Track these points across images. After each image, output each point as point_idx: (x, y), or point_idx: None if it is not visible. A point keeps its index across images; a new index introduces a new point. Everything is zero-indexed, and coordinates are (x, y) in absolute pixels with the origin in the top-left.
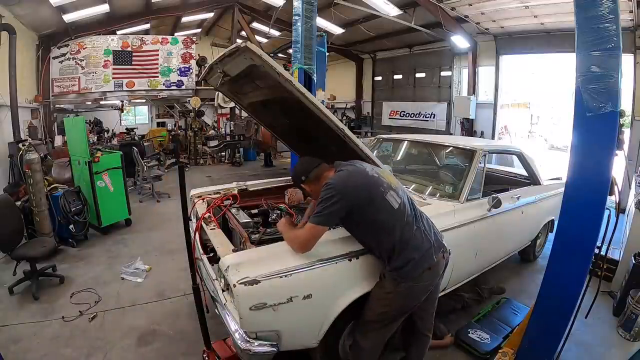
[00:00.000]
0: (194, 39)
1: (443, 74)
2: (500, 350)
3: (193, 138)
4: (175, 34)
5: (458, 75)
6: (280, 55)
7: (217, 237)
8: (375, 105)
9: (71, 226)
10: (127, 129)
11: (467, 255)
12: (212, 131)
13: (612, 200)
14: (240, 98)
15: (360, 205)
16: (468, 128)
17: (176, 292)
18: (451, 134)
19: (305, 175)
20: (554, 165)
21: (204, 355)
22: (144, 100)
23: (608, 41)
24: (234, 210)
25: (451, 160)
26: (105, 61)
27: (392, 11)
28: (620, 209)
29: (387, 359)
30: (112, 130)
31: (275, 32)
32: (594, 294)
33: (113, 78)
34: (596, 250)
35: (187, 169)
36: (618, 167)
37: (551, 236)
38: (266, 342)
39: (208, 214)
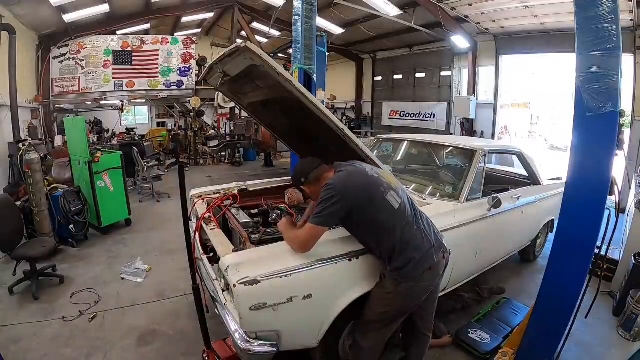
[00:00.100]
0: (194, 39)
1: (443, 74)
2: (500, 350)
3: (193, 138)
4: (175, 34)
5: (458, 75)
6: (280, 55)
7: (217, 237)
8: (375, 105)
9: (71, 226)
10: (127, 129)
11: (467, 255)
12: (212, 131)
13: (612, 200)
14: (240, 98)
15: (361, 206)
16: (468, 128)
17: (176, 292)
18: (451, 134)
19: (305, 177)
20: (554, 165)
21: (204, 355)
22: (144, 100)
23: (608, 41)
24: (234, 210)
25: (451, 160)
26: (105, 61)
27: (392, 11)
28: (620, 209)
29: (387, 359)
30: (112, 130)
31: (275, 32)
32: (594, 294)
33: (113, 78)
34: (596, 250)
35: (187, 169)
36: (618, 167)
37: (551, 236)
38: (266, 342)
39: (208, 214)
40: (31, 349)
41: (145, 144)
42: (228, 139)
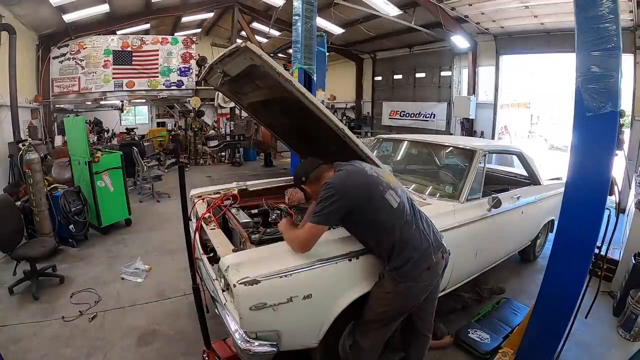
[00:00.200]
0: (194, 39)
1: (443, 74)
2: (500, 350)
3: (193, 138)
4: (175, 34)
5: (458, 75)
6: (280, 55)
7: (217, 237)
8: (375, 105)
9: (71, 226)
10: (127, 129)
11: (467, 255)
12: (212, 131)
13: (612, 200)
14: (240, 98)
15: (360, 205)
16: (468, 128)
17: (176, 292)
18: (451, 134)
19: (306, 176)
20: (554, 165)
21: (204, 355)
22: (144, 100)
23: (608, 41)
24: (234, 210)
25: (451, 160)
26: (105, 61)
27: (392, 11)
28: (620, 209)
29: (387, 359)
30: (112, 130)
31: (275, 32)
32: (594, 294)
33: (113, 78)
34: (596, 250)
35: (187, 169)
36: (618, 167)
37: (551, 236)
38: (266, 342)
39: (208, 214)
40: (31, 349)
41: (145, 144)
42: (228, 139)
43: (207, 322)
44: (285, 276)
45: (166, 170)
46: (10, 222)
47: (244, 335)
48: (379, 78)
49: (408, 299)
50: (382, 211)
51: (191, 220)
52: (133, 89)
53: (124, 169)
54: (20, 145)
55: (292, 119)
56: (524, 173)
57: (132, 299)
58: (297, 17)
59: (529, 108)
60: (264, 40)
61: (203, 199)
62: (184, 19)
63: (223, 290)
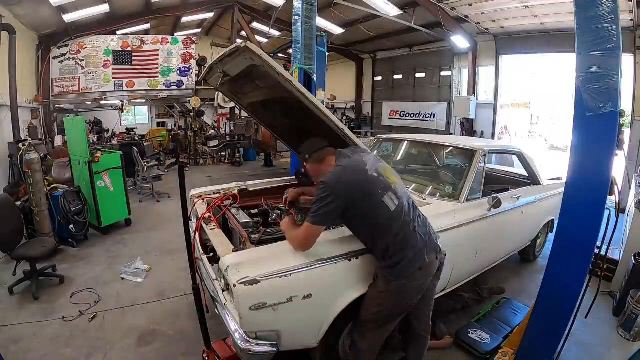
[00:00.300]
0: (194, 39)
1: (443, 74)
2: (500, 350)
3: (193, 138)
4: (175, 34)
5: (458, 75)
6: (280, 55)
7: (217, 237)
8: (375, 105)
9: (71, 226)
10: (127, 129)
11: (467, 255)
12: (212, 131)
13: (612, 200)
14: (240, 98)
15: (354, 201)
16: (468, 128)
17: (176, 292)
18: (451, 134)
19: (309, 154)
20: (554, 165)
21: (204, 355)
22: (144, 100)
23: (608, 41)
24: (234, 210)
25: (451, 160)
26: (105, 61)
27: (392, 11)
28: (620, 209)
29: (387, 359)
30: (112, 130)
31: (275, 32)
32: (594, 294)
33: (113, 78)
34: (596, 250)
35: (187, 169)
36: (618, 167)
37: (551, 236)
38: (266, 342)
39: (208, 214)
40: (31, 349)
41: (145, 144)
42: (228, 139)
43: (207, 322)
44: (285, 276)
45: (166, 170)
46: (10, 222)
47: (244, 335)
48: (379, 78)
49: (401, 298)
50: (377, 211)
51: (191, 220)
52: (133, 89)
53: (124, 169)
54: (20, 145)
55: (292, 119)
56: (524, 173)
57: (132, 299)
58: (297, 17)
59: (529, 108)
60: (264, 40)
61: (203, 199)
62: (184, 19)
63: (223, 290)
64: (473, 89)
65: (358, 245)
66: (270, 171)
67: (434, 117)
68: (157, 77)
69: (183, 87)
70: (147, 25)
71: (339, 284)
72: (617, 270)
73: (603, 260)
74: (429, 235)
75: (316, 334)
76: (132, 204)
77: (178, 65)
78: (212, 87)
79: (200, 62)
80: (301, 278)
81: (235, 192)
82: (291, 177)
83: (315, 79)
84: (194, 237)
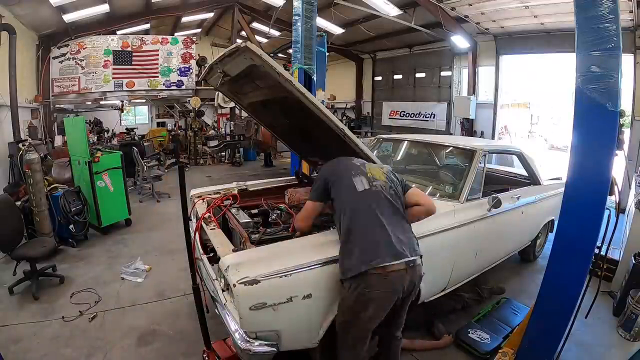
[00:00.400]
0: (194, 39)
1: (443, 74)
2: (500, 350)
3: (193, 138)
4: (175, 34)
5: (458, 75)
6: (280, 55)
7: (217, 237)
8: (375, 105)
9: (71, 226)
10: (127, 129)
11: (467, 255)
12: (212, 131)
13: (612, 200)
14: (240, 98)
15: (332, 181)
16: (468, 128)
17: (176, 292)
18: (451, 134)
19: None
20: (554, 165)
21: (204, 355)
22: (144, 100)
23: (608, 41)
24: (234, 210)
25: (451, 160)
26: (105, 61)
27: (392, 11)
28: (620, 209)
29: None
30: (112, 130)
31: (275, 32)
32: (594, 294)
33: (113, 78)
34: (596, 250)
35: (187, 169)
36: (618, 167)
37: (551, 236)
38: (266, 342)
39: (208, 214)
40: (31, 349)
41: (145, 144)
42: (228, 139)
43: (207, 322)
44: (285, 276)
45: (166, 170)
46: (10, 222)
47: (244, 335)
48: (379, 78)
49: (359, 306)
50: (344, 190)
51: (191, 220)
52: (133, 89)
53: (124, 169)
54: (20, 145)
55: (292, 119)
56: (524, 173)
57: (132, 299)
58: (297, 17)
59: (529, 108)
60: (264, 40)
61: (203, 199)
62: (184, 19)
63: (223, 290)
64: (473, 89)
65: None
66: (270, 171)
67: (434, 117)
68: (157, 77)
69: (183, 87)
70: (147, 25)
71: (338, 284)
72: (617, 270)
73: (603, 260)
74: (401, 241)
75: (316, 334)
76: (132, 204)
77: (178, 65)
78: (212, 87)
79: (200, 62)
80: (301, 278)
81: (235, 192)
82: (291, 177)
83: (315, 79)
84: (194, 237)
